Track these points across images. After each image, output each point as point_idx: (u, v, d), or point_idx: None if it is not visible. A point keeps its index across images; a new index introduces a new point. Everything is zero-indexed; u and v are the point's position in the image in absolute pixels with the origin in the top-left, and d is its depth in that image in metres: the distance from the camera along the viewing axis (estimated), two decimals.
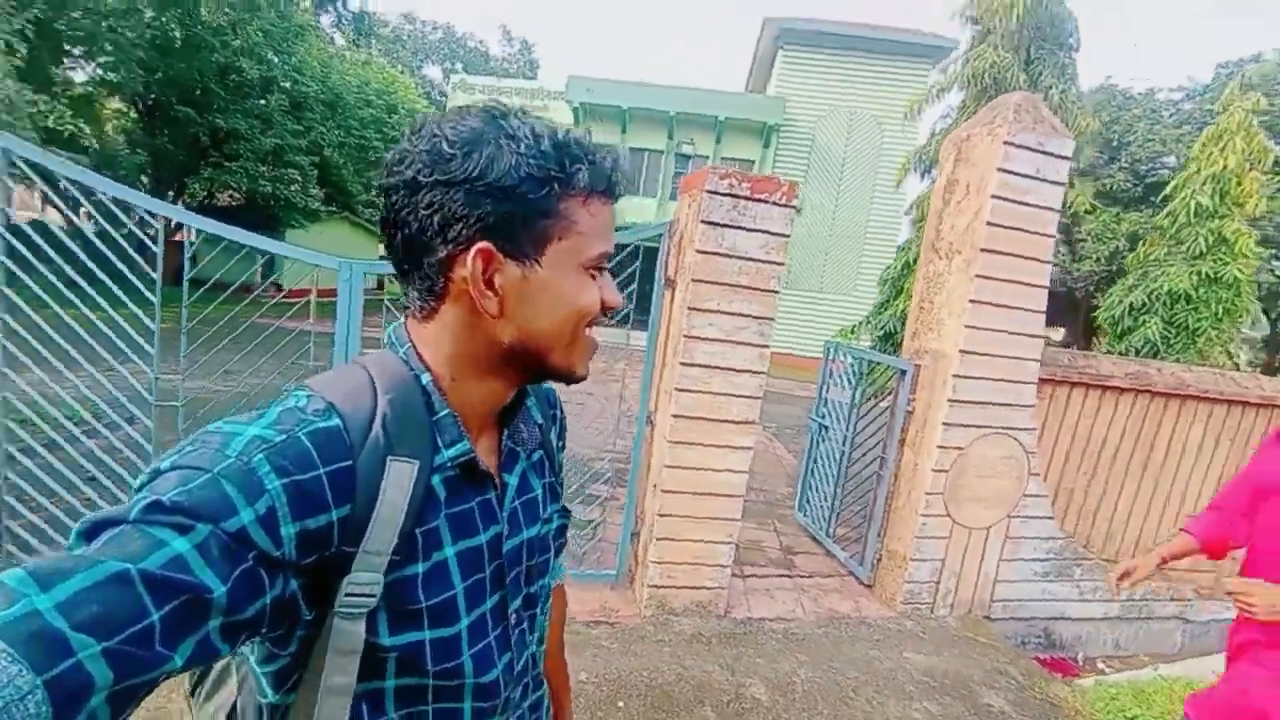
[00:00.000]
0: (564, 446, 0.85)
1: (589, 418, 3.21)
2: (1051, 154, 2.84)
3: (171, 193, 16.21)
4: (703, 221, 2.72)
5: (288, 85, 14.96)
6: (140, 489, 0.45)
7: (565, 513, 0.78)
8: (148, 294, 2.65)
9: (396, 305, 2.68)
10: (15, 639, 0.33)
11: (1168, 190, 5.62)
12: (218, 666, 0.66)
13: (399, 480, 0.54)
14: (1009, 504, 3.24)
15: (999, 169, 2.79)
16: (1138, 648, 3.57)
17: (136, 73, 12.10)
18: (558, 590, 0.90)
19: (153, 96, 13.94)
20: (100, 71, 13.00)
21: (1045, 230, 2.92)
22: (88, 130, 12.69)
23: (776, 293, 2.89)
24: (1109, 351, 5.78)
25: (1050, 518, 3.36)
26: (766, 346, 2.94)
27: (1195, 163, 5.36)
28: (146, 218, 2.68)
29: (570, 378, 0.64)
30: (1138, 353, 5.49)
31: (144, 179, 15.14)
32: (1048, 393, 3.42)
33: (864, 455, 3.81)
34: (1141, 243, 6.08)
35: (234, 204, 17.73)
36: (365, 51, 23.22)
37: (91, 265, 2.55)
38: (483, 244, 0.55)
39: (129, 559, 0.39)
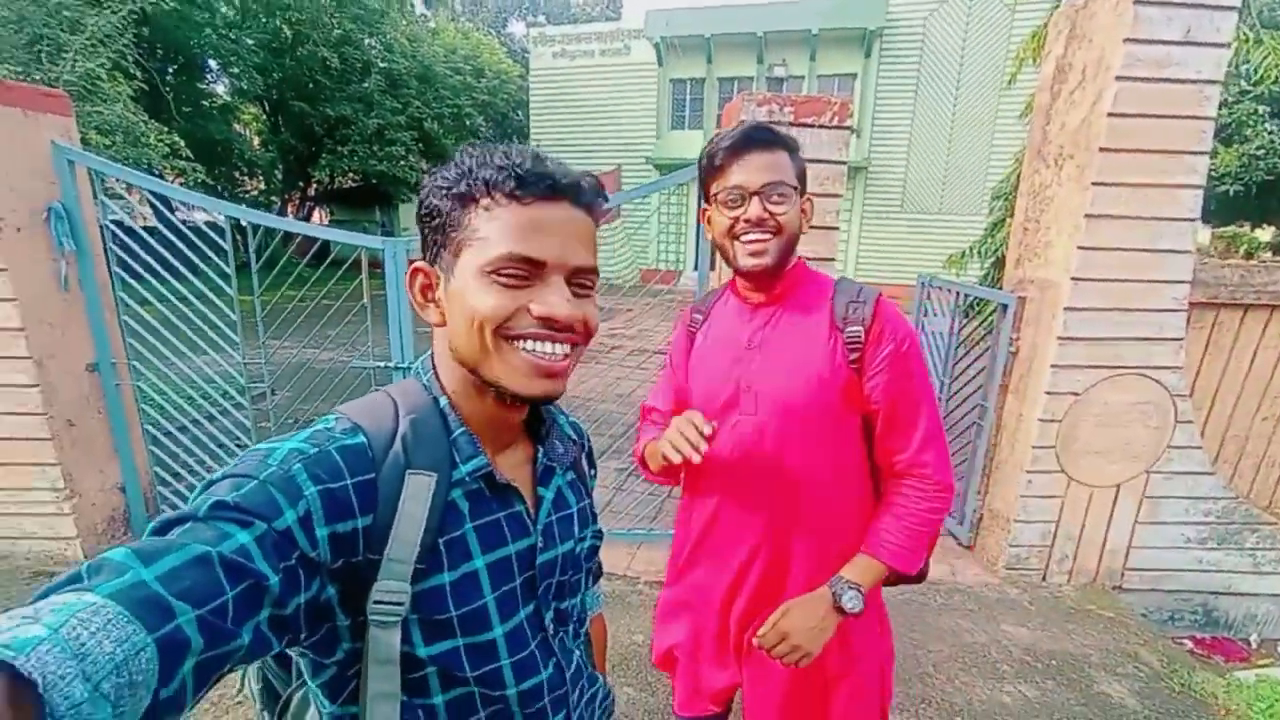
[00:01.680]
0: (595, 475, 0.88)
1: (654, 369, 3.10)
2: (1207, 5, 2.12)
3: (301, 182, 18.00)
4: None
5: (383, 66, 15.67)
6: (198, 495, 0.50)
7: (599, 535, 0.82)
8: (239, 284, 2.88)
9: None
10: (130, 603, 0.38)
11: None
12: (296, 697, 0.70)
13: (416, 492, 0.59)
14: (1145, 458, 2.68)
15: (1126, 40, 2.14)
16: None
17: (256, 77, 13.30)
18: (597, 620, 0.94)
19: (274, 96, 15.29)
20: (233, 81, 14.48)
21: (1199, 111, 2.22)
22: (232, 136, 14.33)
23: (836, 229, 2.52)
24: None
25: (1209, 473, 2.73)
26: None
27: None
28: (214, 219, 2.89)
29: (505, 394, 0.62)
30: None
31: (276, 173, 16.90)
32: (1208, 320, 2.73)
33: (963, 404, 3.33)
34: None
35: (354, 185, 19.32)
36: (445, 19, 23.67)
37: (196, 260, 2.82)
38: (417, 262, 0.64)
39: (208, 544, 0.45)
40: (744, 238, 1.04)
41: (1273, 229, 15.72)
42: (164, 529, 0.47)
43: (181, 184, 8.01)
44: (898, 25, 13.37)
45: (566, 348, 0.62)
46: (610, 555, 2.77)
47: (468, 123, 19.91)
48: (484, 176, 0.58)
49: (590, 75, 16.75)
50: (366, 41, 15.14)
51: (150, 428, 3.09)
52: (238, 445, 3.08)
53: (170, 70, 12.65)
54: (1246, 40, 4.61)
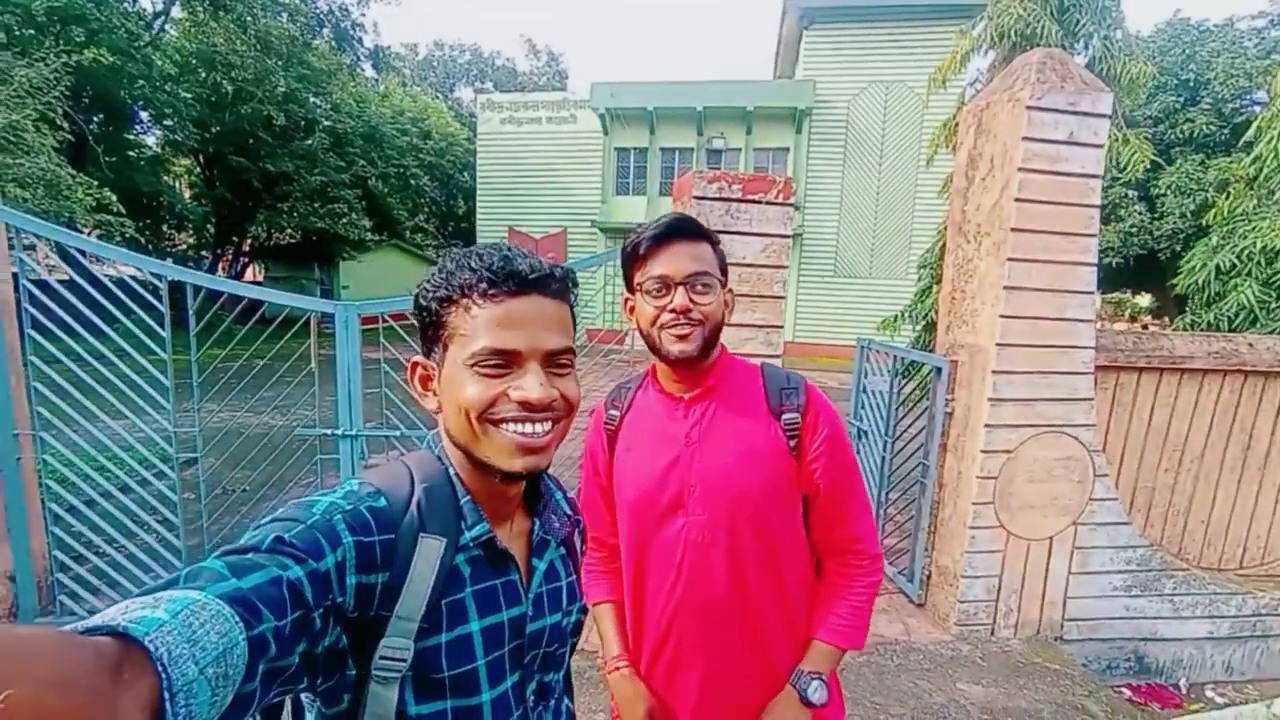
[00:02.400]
0: (585, 550, 0.94)
1: None
2: (1086, 113, 2.48)
3: (236, 237, 17.36)
4: None
5: (328, 124, 15.68)
6: (254, 533, 0.55)
7: (584, 610, 0.84)
8: (163, 347, 2.71)
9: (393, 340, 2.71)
10: (233, 603, 0.43)
11: (1250, 133, 4.93)
12: None
13: (428, 554, 0.63)
14: (1072, 510, 2.87)
15: (1024, 138, 2.46)
16: (1256, 672, 3.08)
17: (192, 130, 12.98)
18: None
19: (210, 150, 14.92)
20: (166, 134, 14.06)
21: (1086, 200, 2.55)
22: (161, 188, 13.75)
23: (782, 298, 2.67)
24: (1195, 323, 5.14)
25: (1126, 523, 2.95)
26: (777, 356, 2.71)
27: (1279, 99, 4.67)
28: (149, 275, 2.74)
29: (494, 472, 0.66)
30: (1230, 322, 4.83)
31: (209, 228, 16.27)
32: (1111, 381, 3.01)
33: (906, 461, 3.49)
34: (1226, 195, 5.36)
35: (292, 242, 18.80)
36: (395, 82, 24.12)
37: (122, 318, 2.64)
38: (416, 357, 0.71)
39: (279, 569, 0.50)
40: (670, 327, 1.03)
41: (1149, 295, 17.69)
42: (228, 555, 0.51)
43: (100, 237, 7.57)
44: (825, 106, 14.68)
45: (547, 425, 0.67)
46: None
47: (413, 182, 20.02)
48: (461, 281, 0.65)
49: (537, 141, 17.32)
50: (312, 100, 15.17)
51: (54, 505, 2.78)
52: (158, 520, 2.81)
53: (96, 120, 12.18)
54: (1116, 139, 5.36)
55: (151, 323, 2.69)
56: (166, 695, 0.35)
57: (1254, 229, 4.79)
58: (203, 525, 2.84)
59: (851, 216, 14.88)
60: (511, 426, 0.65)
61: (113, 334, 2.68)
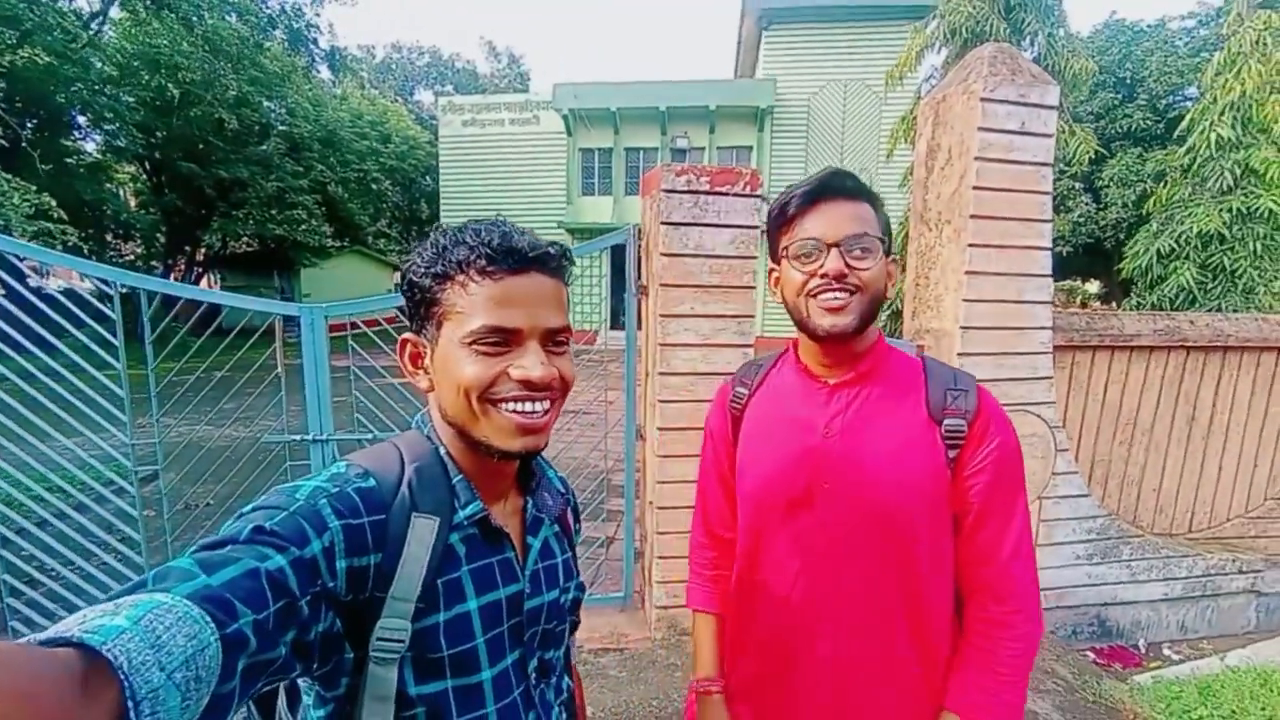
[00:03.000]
0: (579, 529, 0.91)
1: (613, 421, 3.09)
2: (1036, 104, 2.59)
3: (188, 246, 16.70)
4: (663, 223, 2.55)
5: (283, 129, 15.22)
6: (233, 523, 0.53)
7: (581, 587, 0.84)
8: (115, 358, 2.59)
9: (364, 346, 2.64)
10: (202, 602, 0.42)
11: (1184, 125, 5.22)
12: None
13: (421, 534, 0.63)
14: (1037, 485, 2.99)
15: (979, 128, 2.56)
16: (1208, 629, 3.26)
17: (136, 135, 12.43)
18: (574, 672, 0.93)
19: (156, 156, 14.32)
20: (108, 139, 13.43)
21: (1039, 187, 2.66)
22: (104, 196, 13.12)
23: (753, 288, 2.71)
24: (1140, 305, 5.42)
25: (1086, 495, 3.09)
26: (750, 345, 2.75)
27: (1210, 92, 4.96)
28: (101, 285, 2.62)
29: (492, 452, 0.66)
30: (1172, 303, 5.11)
31: (159, 237, 15.61)
32: (1067, 360, 3.15)
33: None
34: (1163, 184, 5.67)
35: (249, 250, 18.18)
36: (352, 85, 23.57)
37: (73, 331, 2.52)
38: (406, 334, 0.70)
39: (256, 560, 0.49)
40: (820, 295, 0.88)
41: (1098, 282, 18.52)
42: (207, 550, 0.50)
43: (40, 245, 7.22)
44: (786, 104, 14.93)
45: (546, 404, 0.67)
46: None
47: (374, 187, 19.63)
48: (457, 257, 0.63)
49: (500, 143, 17.16)
50: (266, 104, 14.71)
51: (1, 528, 2.64)
52: (118, 538, 2.69)
53: (30, 124, 11.55)
54: (1064, 132, 5.61)
55: (104, 333, 2.57)
56: (130, 704, 0.34)
57: (1190, 215, 5.08)
58: (166, 542, 2.73)
59: None
60: (511, 406, 0.64)
61: (62, 347, 2.55)
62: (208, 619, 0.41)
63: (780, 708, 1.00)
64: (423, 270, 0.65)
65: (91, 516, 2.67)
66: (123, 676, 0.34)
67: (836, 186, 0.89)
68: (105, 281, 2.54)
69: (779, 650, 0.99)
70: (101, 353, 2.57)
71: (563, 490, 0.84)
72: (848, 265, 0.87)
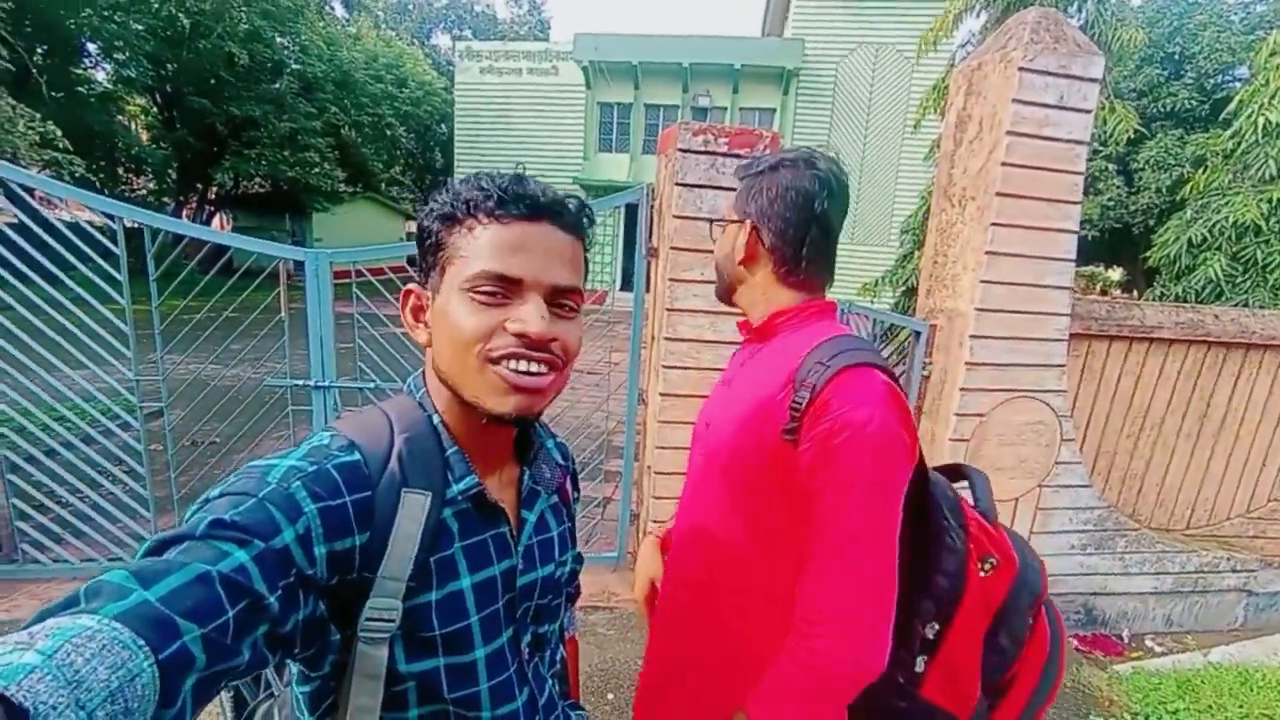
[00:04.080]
0: (579, 497, 0.89)
1: (616, 383, 3.07)
2: (1077, 77, 2.44)
3: (200, 184, 16.58)
4: (678, 184, 2.47)
5: (297, 67, 14.86)
6: (194, 513, 0.49)
7: (579, 559, 0.82)
8: (120, 294, 2.58)
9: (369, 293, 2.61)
10: (134, 623, 0.38)
11: (1231, 107, 4.96)
12: (261, 709, 0.71)
13: (412, 511, 0.59)
14: (1038, 473, 2.96)
15: (1014, 100, 2.42)
16: (1193, 624, 3.28)
17: (146, 66, 12.19)
18: (570, 642, 0.92)
19: (168, 88, 14.07)
20: (116, 68, 13.17)
21: (1072, 167, 2.54)
22: (114, 128, 12.96)
23: None
24: (1164, 295, 5.27)
25: (1087, 486, 3.06)
26: None
27: (1263, 73, 4.68)
28: (105, 218, 2.58)
29: (482, 413, 0.61)
30: (1198, 295, 4.96)
31: (170, 173, 15.48)
32: (1082, 349, 3.08)
33: None
34: (1202, 169, 5.43)
35: (261, 191, 18.03)
36: (367, 25, 22.88)
37: (78, 264, 2.51)
38: (410, 285, 0.66)
39: (207, 563, 0.44)
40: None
41: (1121, 269, 18.08)
42: (160, 549, 0.46)
43: (49, 176, 7.17)
44: (813, 67, 14.37)
45: (544, 368, 0.61)
46: None
47: (388, 132, 19.27)
48: (467, 198, 0.60)
49: (518, 93, 16.71)
50: (278, 40, 14.33)
51: (9, 453, 2.69)
52: (125, 471, 2.74)
53: (40, 50, 11.34)
54: (1104, 108, 5.35)
55: (109, 268, 2.55)
56: None
57: (1227, 203, 4.87)
58: (171, 477, 2.78)
59: (839, 180, 14.78)
60: (507, 364, 0.59)
61: (68, 280, 2.55)
62: (140, 643, 0.37)
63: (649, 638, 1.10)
64: (434, 213, 0.62)
65: (98, 448, 2.72)
66: None
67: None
68: (110, 216, 2.51)
69: (668, 560, 1.08)
70: (106, 287, 2.56)
71: (561, 461, 0.80)
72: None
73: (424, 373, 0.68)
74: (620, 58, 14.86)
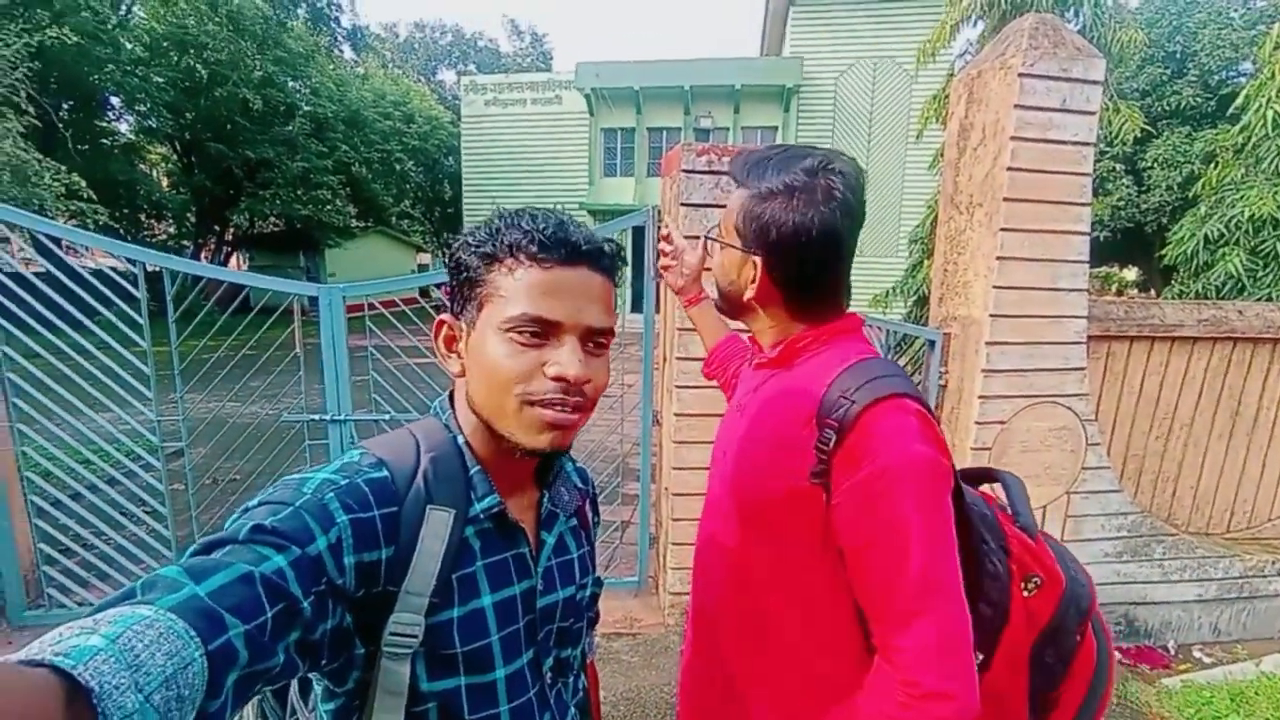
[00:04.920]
0: (599, 521, 0.89)
1: (630, 405, 3.05)
2: (1079, 79, 2.44)
3: (218, 226, 17.04)
4: (683, 204, 2.49)
5: (308, 109, 15.33)
6: (235, 520, 0.52)
7: (599, 583, 0.82)
8: (141, 336, 2.64)
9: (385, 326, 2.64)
10: (187, 615, 0.40)
11: (1239, 102, 4.92)
12: None
13: (436, 527, 0.61)
14: (1065, 480, 2.89)
15: (1016, 105, 2.42)
16: (1242, 633, 3.14)
17: (166, 116, 12.65)
18: (589, 668, 0.91)
19: (186, 136, 14.56)
20: (138, 120, 13.69)
21: (1079, 169, 2.52)
22: (136, 176, 13.42)
23: None
24: (1183, 293, 5.18)
25: (1118, 491, 2.98)
26: None
27: (1268, 67, 4.65)
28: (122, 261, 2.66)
29: (516, 447, 0.63)
30: (1218, 291, 4.87)
31: (189, 216, 15.94)
32: (1103, 351, 3.02)
33: None
34: (1213, 165, 5.37)
35: (276, 230, 18.48)
36: (375, 65, 23.59)
37: (100, 309, 2.58)
38: (443, 315, 0.67)
39: (250, 564, 0.47)
40: None
41: (1136, 269, 17.83)
42: (206, 550, 0.49)
43: (75, 226, 7.42)
44: (813, 84, 14.52)
45: (578, 402, 0.64)
46: None
47: (398, 167, 19.72)
48: (510, 239, 0.61)
49: (523, 123, 17.05)
50: (290, 84, 14.83)
51: (36, 497, 2.73)
52: (146, 511, 2.76)
53: (66, 106, 11.82)
54: (1108, 109, 5.33)
55: (131, 311, 2.62)
56: None
57: (1242, 198, 4.80)
58: (192, 515, 2.80)
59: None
60: (543, 408, 0.62)
61: (92, 326, 2.61)
62: (192, 633, 0.39)
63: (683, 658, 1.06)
64: (473, 249, 0.63)
65: (121, 490, 2.75)
66: (95, 701, 0.33)
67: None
68: (132, 262, 2.58)
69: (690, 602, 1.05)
70: (128, 331, 2.62)
71: (581, 484, 0.82)
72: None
73: (450, 395, 0.71)
74: (622, 84, 15.14)
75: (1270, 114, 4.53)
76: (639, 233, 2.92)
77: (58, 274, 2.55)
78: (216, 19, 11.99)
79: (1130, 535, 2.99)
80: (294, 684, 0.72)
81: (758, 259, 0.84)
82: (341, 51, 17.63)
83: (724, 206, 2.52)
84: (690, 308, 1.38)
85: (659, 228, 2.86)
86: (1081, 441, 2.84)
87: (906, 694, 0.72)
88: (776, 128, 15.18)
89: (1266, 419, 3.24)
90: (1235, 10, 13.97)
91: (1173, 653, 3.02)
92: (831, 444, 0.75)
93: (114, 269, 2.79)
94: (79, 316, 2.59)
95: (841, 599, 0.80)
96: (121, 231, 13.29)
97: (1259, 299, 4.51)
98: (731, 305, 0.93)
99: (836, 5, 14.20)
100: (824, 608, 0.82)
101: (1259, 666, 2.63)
